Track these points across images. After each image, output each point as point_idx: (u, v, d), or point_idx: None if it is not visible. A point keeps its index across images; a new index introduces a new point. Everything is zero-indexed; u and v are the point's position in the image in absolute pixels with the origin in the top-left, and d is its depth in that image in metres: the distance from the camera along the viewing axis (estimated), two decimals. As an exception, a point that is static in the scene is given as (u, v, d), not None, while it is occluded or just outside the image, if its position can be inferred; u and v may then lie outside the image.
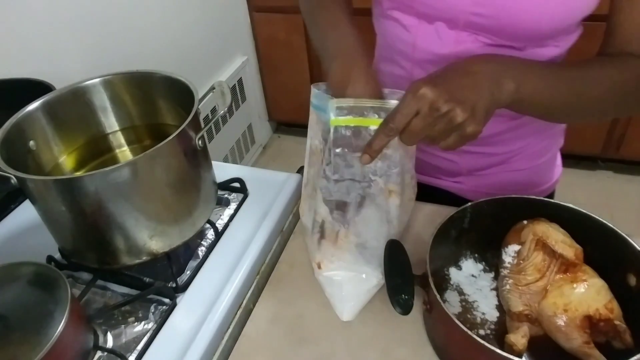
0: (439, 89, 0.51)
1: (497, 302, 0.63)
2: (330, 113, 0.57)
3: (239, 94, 2.16)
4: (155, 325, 0.65)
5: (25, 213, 0.84)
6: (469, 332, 0.51)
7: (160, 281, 0.71)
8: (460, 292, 0.66)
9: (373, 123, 0.57)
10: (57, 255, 0.74)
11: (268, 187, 0.85)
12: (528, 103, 0.57)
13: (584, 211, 0.62)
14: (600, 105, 0.62)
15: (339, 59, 0.62)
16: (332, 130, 0.58)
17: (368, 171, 0.61)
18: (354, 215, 0.65)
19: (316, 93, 0.63)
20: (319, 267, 0.69)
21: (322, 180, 0.63)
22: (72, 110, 0.74)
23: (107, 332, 0.65)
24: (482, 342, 0.50)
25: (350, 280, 0.67)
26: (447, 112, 0.50)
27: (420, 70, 0.71)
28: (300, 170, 0.79)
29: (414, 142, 0.54)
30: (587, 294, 0.55)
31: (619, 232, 0.59)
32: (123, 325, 0.66)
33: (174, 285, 0.69)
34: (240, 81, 2.14)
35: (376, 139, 0.55)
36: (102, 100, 0.77)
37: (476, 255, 0.70)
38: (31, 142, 0.69)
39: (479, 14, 0.61)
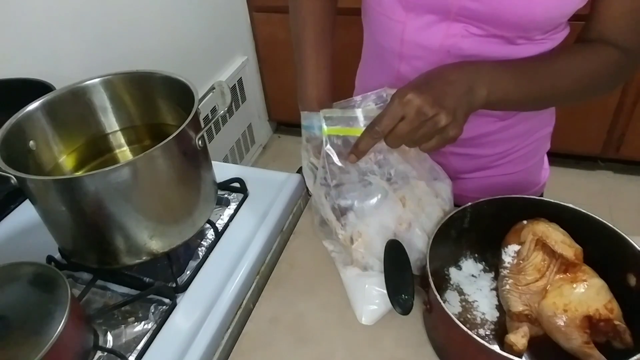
0: (424, 96, 0.54)
1: (497, 302, 0.63)
2: (322, 124, 0.62)
3: (239, 94, 2.16)
4: (155, 325, 0.65)
5: (25, 213, 0.84)
6: (469, 332, 0.51)
7: (160, 281, 0.71)
8: (460, 292, 0.66)
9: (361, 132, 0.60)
10: (57, 255, 0.74)
11: (268, 187, 0.85)
12: (499, 104, 0.61)
13: (584, 211, 0.62)
14: (569, 94, 0.65)
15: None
16: (324, 140, 0.63)
17: (366, 170, 0.64)
18: (361, 216, 0.66)
19: (304, 114, 0.69)
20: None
21: (323, 188, 0.66)
22: (72, 110, 0.74)
23: (107, 332, 0.65)
24: (482, 342, 0.50)
25: (374, 283, 0.66)
26: (432, 116, 0.54)
27: (407, 66, 0.71)
28: (300, 171, 0.80)
29: (398, 144, 0.58)
30: (587, 294, 0.55)
31: (619, 232, 0.59)
32: (123, 325, 0.66)
33: (174, 285, 0.69)
34: (240, 81, 2.14)
35: (362, 141, 0.58)
36: (102, 100, 0.77)
37: (476, 255, 0.70)
38: (31, 142, 0.69)
39: None
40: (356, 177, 0.65)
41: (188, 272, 0.72)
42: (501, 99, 0.60)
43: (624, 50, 0.62)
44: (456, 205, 0.67)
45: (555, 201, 0.65)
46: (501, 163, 0.80)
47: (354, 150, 0.59)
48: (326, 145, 0.64)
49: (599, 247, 0.60)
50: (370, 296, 0.65)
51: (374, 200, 0.65)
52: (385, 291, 0.64)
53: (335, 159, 0.64)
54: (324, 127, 0.62)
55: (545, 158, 0.87)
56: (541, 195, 0.88)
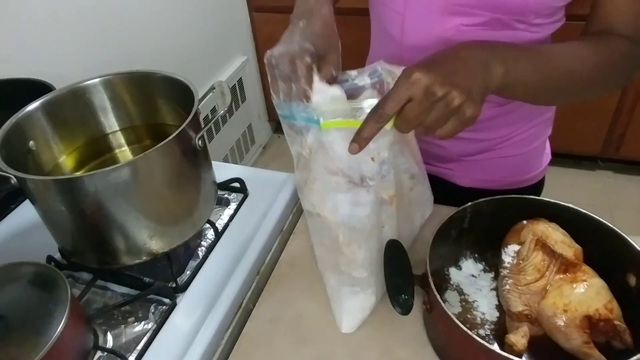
0: (432, 74, 0.49)
1: (497, 302, 0.63)
2: (319, 117, 0.56)
3: (239, 94, 2.16)
4: (155, 325, 0.65)
5: (25, 213, 0.84)
6: (469, 332, 0.51)
7: (160, 281, 0.70)
8: (460, 292, 0.66)
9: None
10: (57, 255, 0.74)
11: (268, 187, 0.85)
12: (516, 87, 0.57)
13: (584, 211, 0.62)
14: (584, 84, 0.62)
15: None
16: (323, 134, 0.57)
17: (365, 176, 0.60)
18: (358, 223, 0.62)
19: (278, 103, 0.61)
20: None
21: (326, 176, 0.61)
22: (72, 110, 0.74)
23: (107, 332, 0.65)
24: (482, 342, 0.50)
25: (354, 293, 0.65)
26: (443, 95, 0.49)
27: (409, 55, 0.71)
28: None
29: (408, 129, 0.53)
30: (587, 294, 0.55)
31: (619, 232, 0.59)
32: (123, 325, 0.66)
33: (174, 285, 0.69)
34: (240, 81, 2.14)
35: (366, 126, 0.53)
36: (102, 100, 0.77)
37: (476, 255, 0.70)
38: (31, 142, 0.69)
39: None
40: (356, 173, 0.59)
41: (188, 272, 0.73)
42: (518, 80, 0.55)
43: (632, 41, 0.61)
44: (459, 187, 0.65)
45: (555, 201, 0.65)
46: (502, 146, 0.81)
47: (357, 138, 0.53)
48: (325, 139, 0.57)
49: (599, 247, 0.60)
50: (351, 305, 0.65)
51: (366, 209, 0.60)
52: (364, 300, 0.64)
53: (335, 153, 0.58)
54: (321, 120, 0.56)
55: (547, 143, 0.88)
56: (543, 179, 0.89)
